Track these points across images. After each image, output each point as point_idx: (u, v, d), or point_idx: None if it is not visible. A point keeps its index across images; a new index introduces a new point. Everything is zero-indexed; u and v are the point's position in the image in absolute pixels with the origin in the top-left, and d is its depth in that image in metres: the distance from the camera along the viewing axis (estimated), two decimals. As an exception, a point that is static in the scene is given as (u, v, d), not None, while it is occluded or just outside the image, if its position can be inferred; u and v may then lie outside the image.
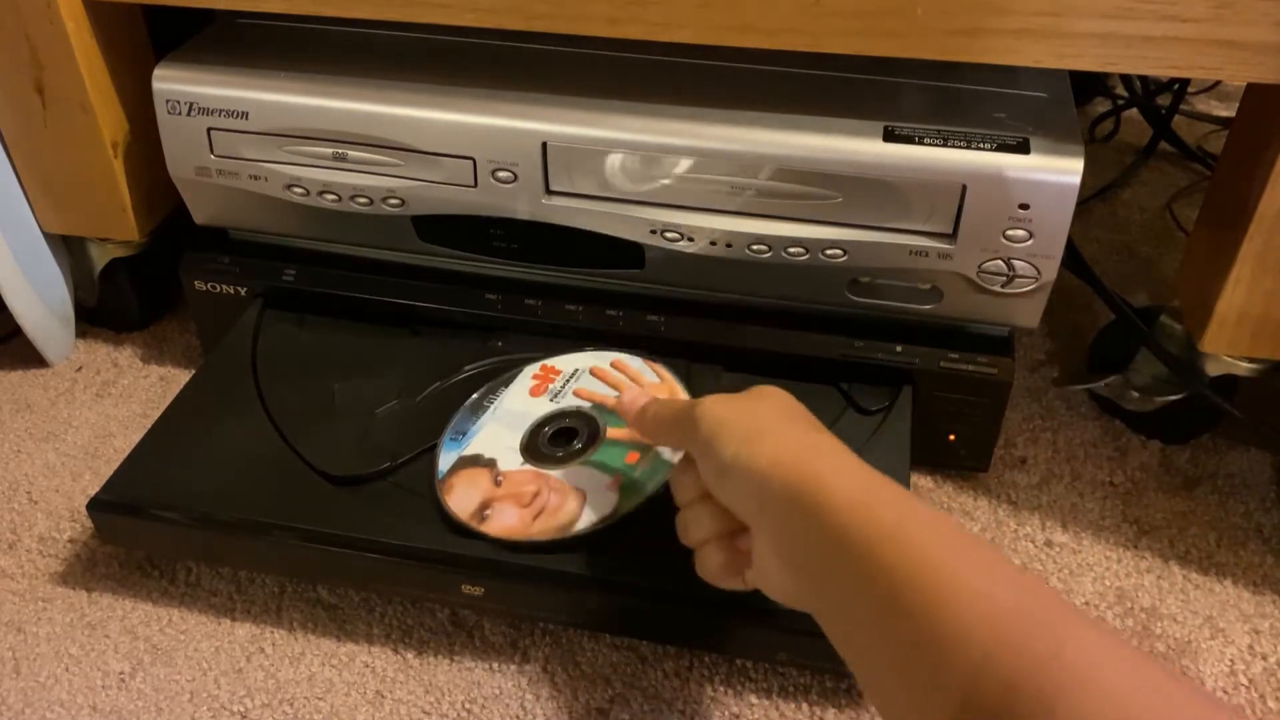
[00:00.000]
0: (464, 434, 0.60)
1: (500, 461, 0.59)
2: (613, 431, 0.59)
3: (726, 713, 0.56)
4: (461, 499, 0.57)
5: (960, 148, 0.57)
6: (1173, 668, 0.56)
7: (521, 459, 0.59)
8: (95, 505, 0.58)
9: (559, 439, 0.60)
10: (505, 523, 0.55)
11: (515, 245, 0.66)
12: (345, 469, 0.59)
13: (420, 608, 0.61)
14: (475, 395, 0.63)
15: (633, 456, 0.58)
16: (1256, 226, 0.56)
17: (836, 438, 0.47)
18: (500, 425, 0.61)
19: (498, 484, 0.57)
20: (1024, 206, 0.57)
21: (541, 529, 0.55)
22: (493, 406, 0.62)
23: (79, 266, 0.77)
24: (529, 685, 0.57)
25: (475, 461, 0.59)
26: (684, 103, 0.61)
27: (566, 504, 0.56)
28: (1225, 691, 0.57)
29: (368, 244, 0.69)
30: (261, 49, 0.66)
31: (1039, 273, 0.59)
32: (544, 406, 0.62)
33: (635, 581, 0.54)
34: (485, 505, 0.56)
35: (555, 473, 0.58)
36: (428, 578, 0.56)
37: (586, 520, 0.55)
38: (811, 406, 0.50)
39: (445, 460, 0.59)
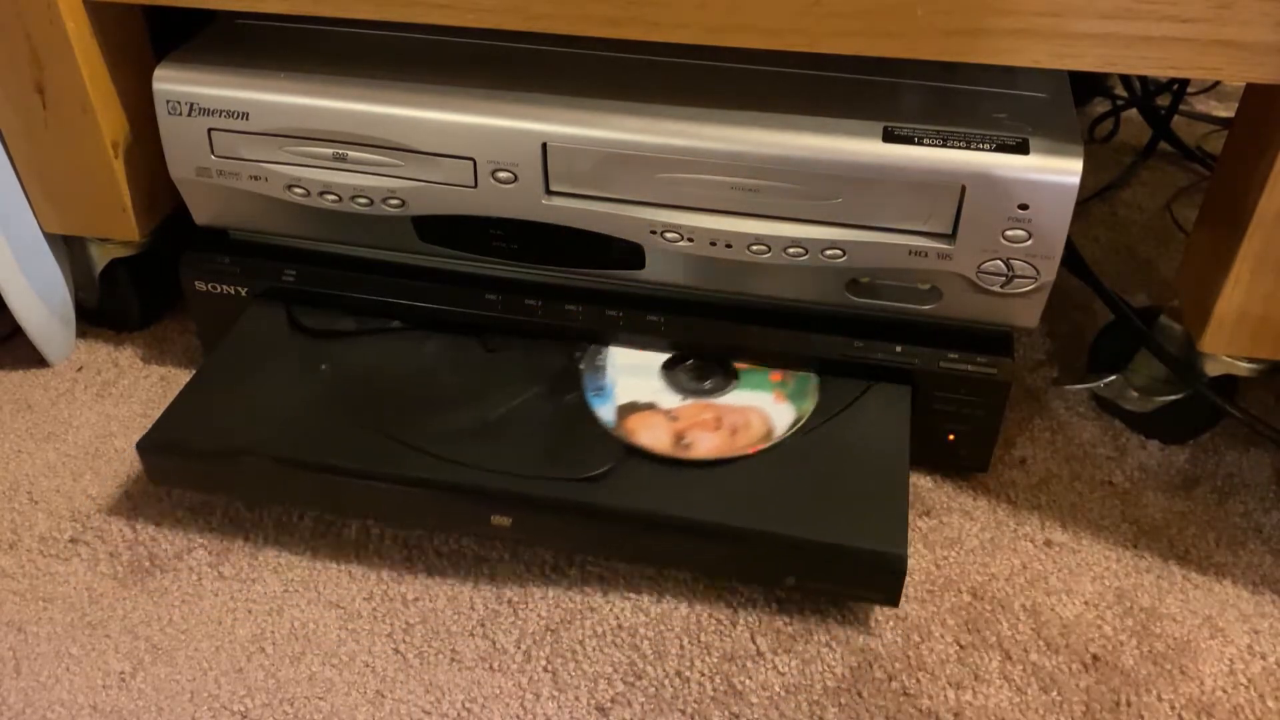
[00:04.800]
0: (603, 388, 0.64)
1: (659, 403, 0.63)
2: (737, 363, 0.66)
3: (726, 712, 0.56)
4: (652, 437, 0.61)
5: (960, 148, 0.57)
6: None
7: (680, 397, 0.64)
8: (145, 445, 0.61)
9: (698, 376, 0.65)
10: (709, 446, 0.60)
11: (515, 245, 0.66)
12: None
13: (421, 606, 0.61)
14: (580, 357, 0.66)
15: (776, 375, 0.65)
16: (1256, 226, 0.56)
17: None
18: (629, 377, 0.65)
19: (674, 419, 0.62)
20: (1023, 207, 0.57)
21: (746, 442, 0.60)
22: (608, 364, 0.66)
23: (79, 266, 0.77)
24: (529, 685, 0.57)
25: (634, 408, 0.63)
26: (684, 103, 0.61)
27: (751, 420, 0.62)
28: (1225, 691, 0.57)
29: (368, 244, 0.69)
30: (261, 49, 0.66)
31: (1038, 273, 0.59)
32: (656, 356, 0.66)
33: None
34: (679, 436, 0.61)
35: (718, 400, 0.62)
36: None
37: (781, 427, 0.61)
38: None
39: (607, 410, 0.63)
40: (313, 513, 0.66)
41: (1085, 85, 1.05)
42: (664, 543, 0.59)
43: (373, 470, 0.60)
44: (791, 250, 0.61)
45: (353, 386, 0.65)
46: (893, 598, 0.57)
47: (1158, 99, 1.01)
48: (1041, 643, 0.59)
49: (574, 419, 0.63)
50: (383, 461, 0.60)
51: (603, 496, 0.58)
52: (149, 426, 0.62)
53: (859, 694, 0.57)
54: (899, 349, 0.64)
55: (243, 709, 0.56)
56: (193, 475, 0.64)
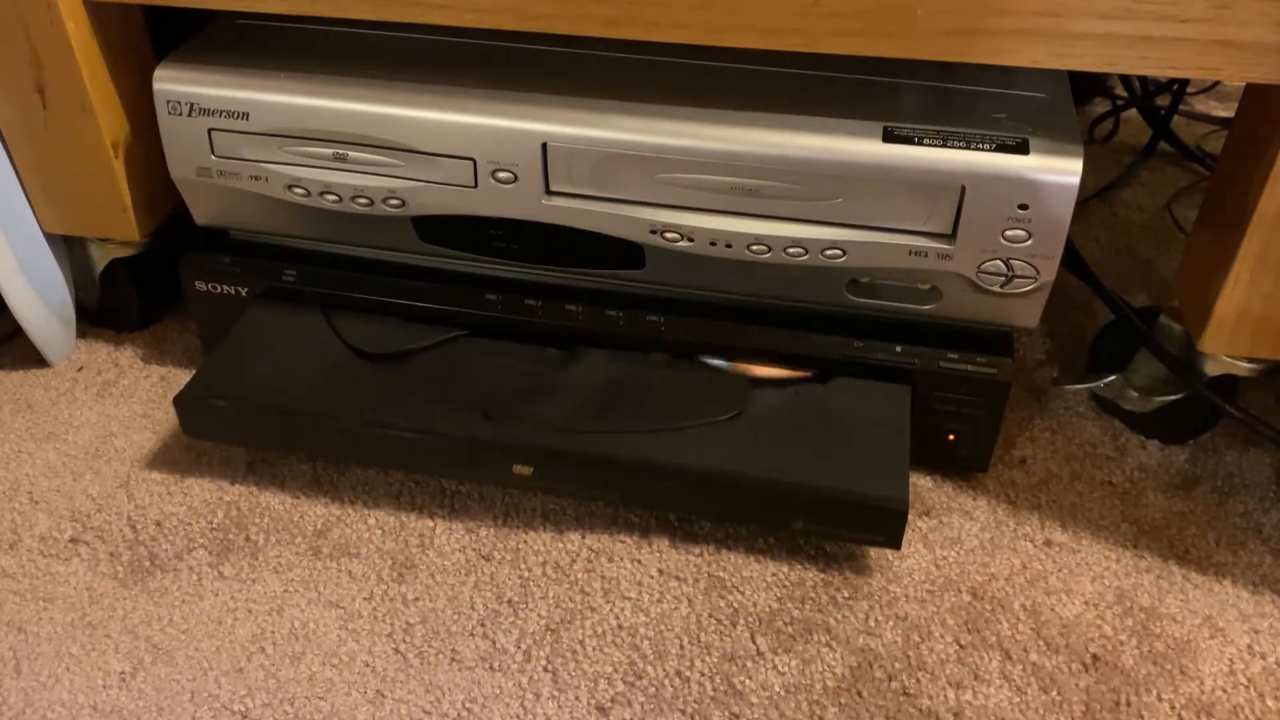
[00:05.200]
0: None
1: None
2: None
3: (726, 712, 0.56)
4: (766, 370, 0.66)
5: (959, 148, 0.57)
6: None
7: None
8: (181, 400, 0.64)
9: None
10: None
11: (515, 245, 0.66)
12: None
13: (421, 606, 0.61)
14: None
15: None
16: (1256, 226, 0.56)
17: None
18: None
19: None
20: (1023, 207, 0.57)
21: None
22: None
23: (79, 267, 0.77)
24: (529, 685, 0.57)
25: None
26: (684, 103, 0.61)
27: None
28: (1225, 691, 0.57)
29: (368, 244, 0.69)
30: (261, 49, 0.66)
31: (1038, 273, 0.59)
32: None
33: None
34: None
35: None
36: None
37: None
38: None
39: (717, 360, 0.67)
40: (348, 464, 0.69)
41: (1085, 85, 1.05)
42: (681, 491, 0.61)
43: (419, 424, 0.63)
44: (791, 250, 0.61)
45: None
46: (895, 540, 0.60)
47: (1158, 99, 1.02)
48: (1041, 643, 0.59)
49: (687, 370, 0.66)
50: (426, 415, 0.63)
51: (621, 448, 0.61)
52: (150, 423, 0.62)
53: (859, 694, 0.57)
54: (899, 349, 0.64)
55: (243, 709, 0.56)
56: (226, 428, 0.66)
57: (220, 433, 0.67)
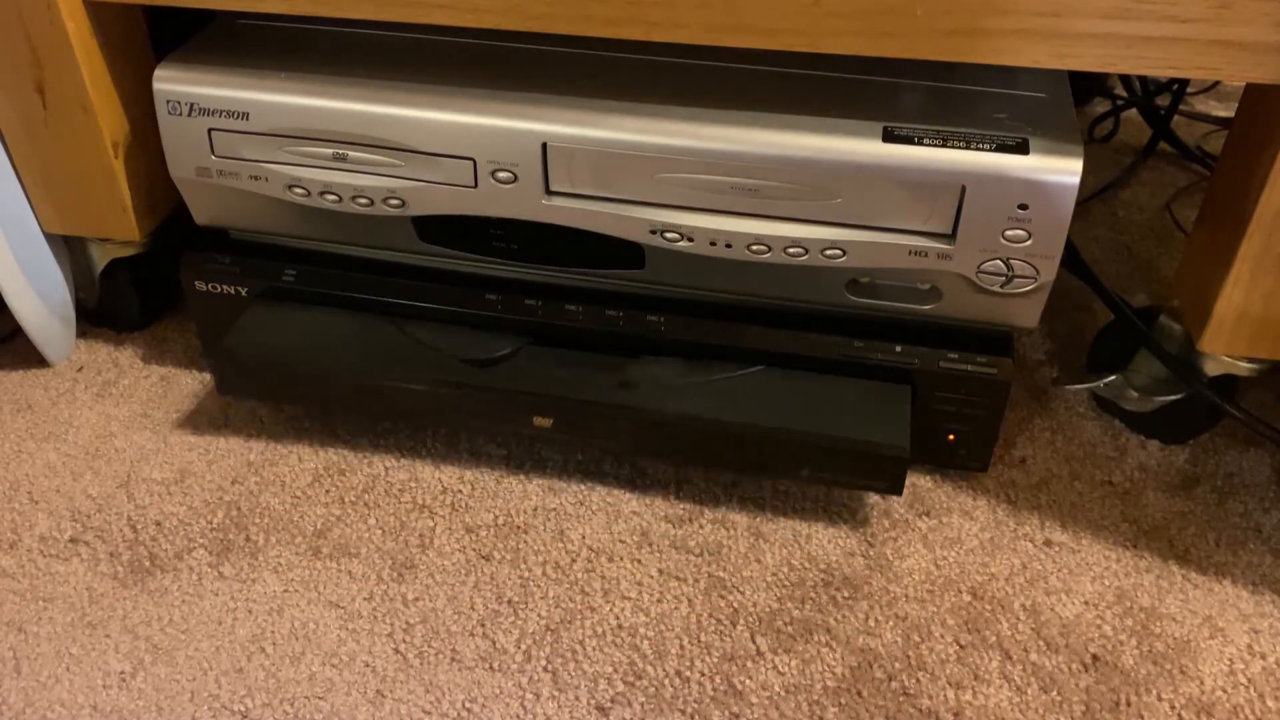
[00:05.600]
0: None
1: None
2: None
3: (726, 712, 0.56)
4: None
5: (959, 148, 0.57)
6: None
7: None
8: (217, 352, 0.67)
9: None
10: None
11: (515, 245, 0.66)
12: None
13: (421, 606, 0.61)
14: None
15: None
16: (1256, 226, 0.56)
17: None
18: None
19: None
20: (1023, 207, 0.57)
21: None
22: None
23: (80, 267, 0.77)
24: (529, 685, 0.57)
25: None
26: (684, 103, 0.61)
27: None
28: (1224, 691, 0.57)
29: (368, 244, 0.69)
30: (261, 49, 0.66)
31: (1038, 273, 0.59)
32: None
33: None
34: None
35: None
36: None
37: None
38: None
39: None
40: (371, 421, 0.72)
41: (1085, 85, 1.05)
42: (694, 441, 0.64)
43: (443, 375, 0.66)
44: (791, 250, 0.61)
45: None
46: (896, 486, 0.63)
47: (1158, 99, 1.02)
48: (1041, 643, 0.59)
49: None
50: (452, 368, 0.67)
51: (638, 399, 0.65)
52: (150, 423, 0.62)
53: (859, 694, 0.57)
54: (899, 349, 0.64)
55: (243, 709, 0.56)
56: (258, 384, 0.69)
57: (253, 391, 0.70)
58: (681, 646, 0.59)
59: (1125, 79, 1.02)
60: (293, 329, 0.69)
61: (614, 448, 0.69)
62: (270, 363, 0.68)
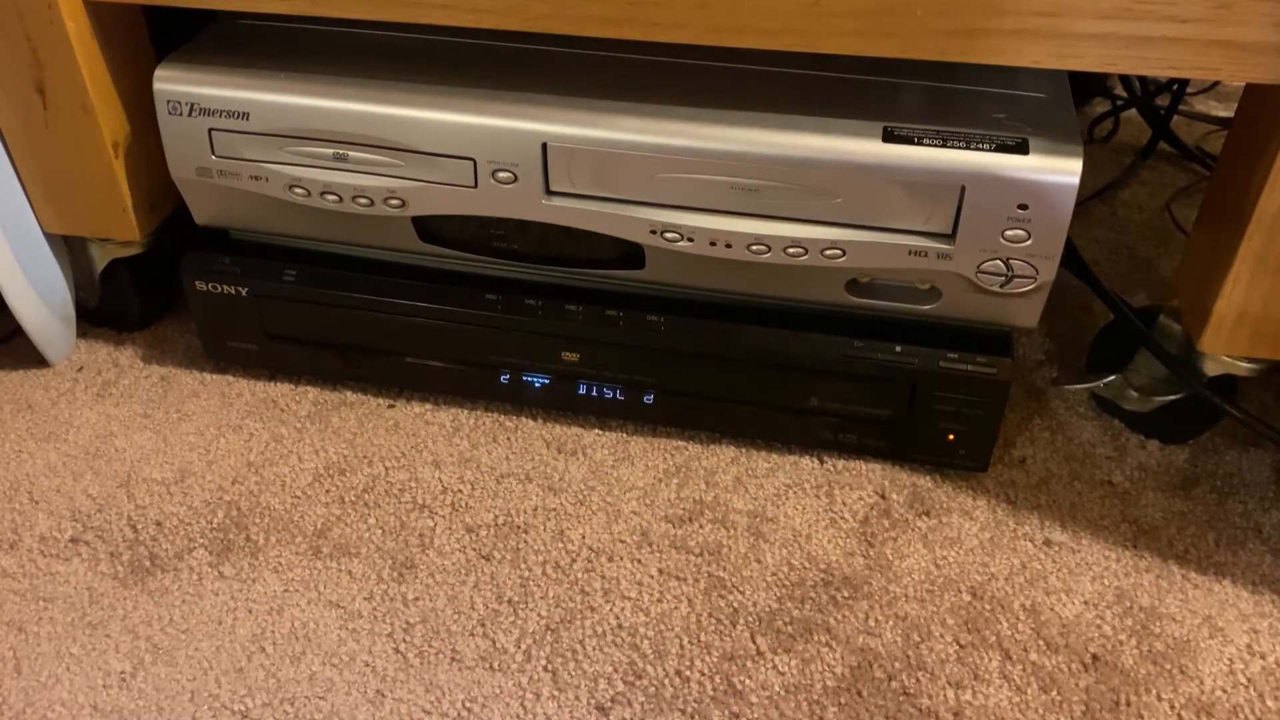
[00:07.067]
0: None
1: None
2: None
3: (726, 712, 0.56)
4: None
5: (959, 148, 0.57)
6: None
7: None
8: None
9: None
10: None
11: (515, 245, 0.66)
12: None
13: (421, 606, 0.61)
14: None
15: None
16: (1256, 226, 0.56)
17: None
18: None
19: None
20: (1023, 207, 0.57)
21: None
22: None
23: (80, 267, 0.77)
24: (529, 685, 0.57)
25: None
26: (684, 103, 0.61)
27: None
28: (1224, 691, 0.57)
29: (368, 244, 0.69)
30: (261, 49, 0.66)
31: (1038, 273, 0.59)
32: None
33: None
34: None
35: None
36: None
37: None
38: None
39: None
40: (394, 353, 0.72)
41: (1085, 85, 1.05)
42: (718, 374, 0.67)
43: (471, 306, 0.68)
44: (791, 250, 0.61)
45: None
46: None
47: (1157, 99, 1.02)
48: (1041, 642, 0.60)
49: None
50: (480, 301, 0.69)
51: (664, 337, 0.67)
52: (150, 423, 0.62)
53: (859, 694, 0.57)
54: (899, 349, 0.64)
55: (243, 709, 0.56)
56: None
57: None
58: (681, 646, 0.59)
59: (1125, 79, 1.02)
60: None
61: (637, 384, 0.70)
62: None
